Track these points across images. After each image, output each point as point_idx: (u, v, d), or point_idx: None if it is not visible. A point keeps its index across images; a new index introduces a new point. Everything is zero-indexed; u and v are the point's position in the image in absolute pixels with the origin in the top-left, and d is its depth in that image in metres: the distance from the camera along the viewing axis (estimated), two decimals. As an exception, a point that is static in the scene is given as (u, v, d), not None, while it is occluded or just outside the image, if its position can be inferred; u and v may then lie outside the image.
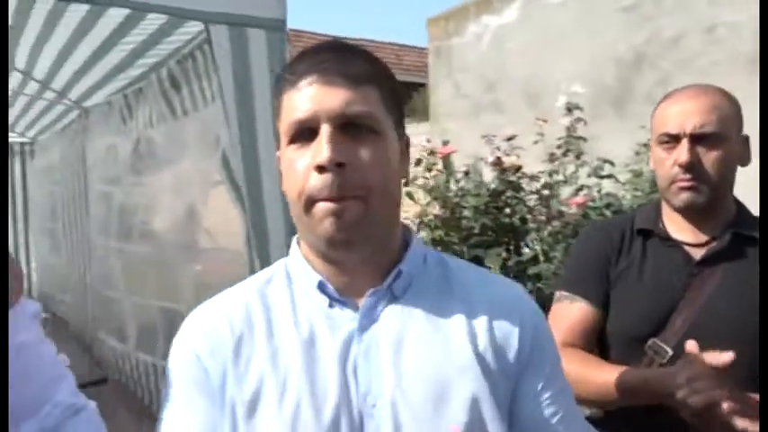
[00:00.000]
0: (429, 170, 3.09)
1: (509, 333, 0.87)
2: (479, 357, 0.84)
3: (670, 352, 1.28)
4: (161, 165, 3.59)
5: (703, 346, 1.16)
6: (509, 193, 3.06)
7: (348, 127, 0.82)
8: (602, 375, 1.28)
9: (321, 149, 0.80)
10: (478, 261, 2.82)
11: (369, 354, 0.84)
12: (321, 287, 0.88)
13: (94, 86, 3.96)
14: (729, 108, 1.32)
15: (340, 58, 0.84)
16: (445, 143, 3.22)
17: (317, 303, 0.88)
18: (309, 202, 0.82)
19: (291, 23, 2.17)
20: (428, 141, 3.22)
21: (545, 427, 0.86)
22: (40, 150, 6.47)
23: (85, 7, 2.47)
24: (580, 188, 2.95)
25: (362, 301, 0.86)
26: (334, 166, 0.80)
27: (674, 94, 1.37)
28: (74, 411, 1.21)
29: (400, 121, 0.90)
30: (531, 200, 3.00)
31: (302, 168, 0.82)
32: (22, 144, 6.68)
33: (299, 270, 0.91)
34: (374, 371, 0.83)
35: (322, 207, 0.81)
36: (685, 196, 1.32)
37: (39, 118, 5.37)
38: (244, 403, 0.83)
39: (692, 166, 1.29)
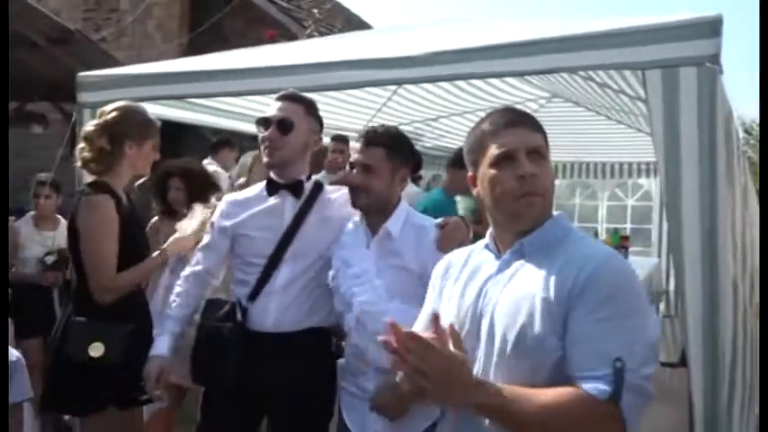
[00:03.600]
0: None
1: (568, 278, 1.33)
2: (546, 293, 1.34)
3: None
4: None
5: None
6: None
7: (532, 154, 1.42)
8: None
9: (523, 166, 1.40)
10: None
11: (496, 285, 1.45)
12: (486, 246, 1.55)
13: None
14: None
15: (521, 116, 1.50)
16: None
17: (489, 255, 1.54)
18: (517, 197, 1.41)
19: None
20: None
21: (581, 337, 1.29)
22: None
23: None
24: None
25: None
26: (531, 176, 1.40)
27: None
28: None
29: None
30: None
31: (509, 178, 1.41)
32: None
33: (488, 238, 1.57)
34: (494, 294, 1.44)
35: (527, 199, 1.42)
36: None
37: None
38: (440, 295, 1.62)
39: None
